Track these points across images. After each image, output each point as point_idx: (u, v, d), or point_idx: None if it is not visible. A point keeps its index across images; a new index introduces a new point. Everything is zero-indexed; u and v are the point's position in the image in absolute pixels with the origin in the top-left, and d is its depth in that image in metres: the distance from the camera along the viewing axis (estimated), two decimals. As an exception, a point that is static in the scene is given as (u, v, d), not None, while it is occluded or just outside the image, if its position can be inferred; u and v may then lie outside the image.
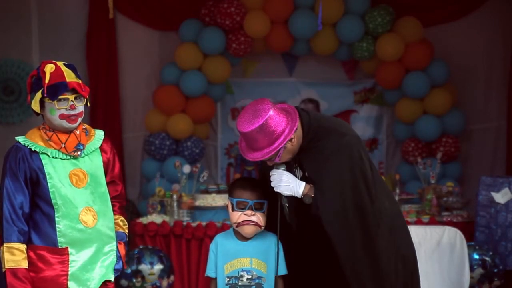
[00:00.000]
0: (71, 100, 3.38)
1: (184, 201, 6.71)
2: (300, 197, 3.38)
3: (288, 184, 3.38)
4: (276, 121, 3.31)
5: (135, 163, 7.88)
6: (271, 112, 3.30)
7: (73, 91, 3.38)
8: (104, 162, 3.54)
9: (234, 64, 7.77)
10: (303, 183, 3.39)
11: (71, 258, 3.38)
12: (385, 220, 3.39)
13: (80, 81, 3.43)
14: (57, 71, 3.37)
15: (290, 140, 3.34)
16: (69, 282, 3.38)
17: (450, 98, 7.50)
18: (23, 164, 3.36)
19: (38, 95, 3.36)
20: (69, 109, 3.38)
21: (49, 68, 3.36)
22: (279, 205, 3.46)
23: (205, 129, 7.94)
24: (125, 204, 3.73)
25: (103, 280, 3.47)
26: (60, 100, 3.36)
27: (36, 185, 3.37)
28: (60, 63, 3.42)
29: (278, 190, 3.41)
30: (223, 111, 8.10)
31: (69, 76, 3.39)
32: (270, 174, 3.44)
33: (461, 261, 5.89)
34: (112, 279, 3.50)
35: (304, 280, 3.65)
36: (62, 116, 3.38)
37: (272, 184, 3.42)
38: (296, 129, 3.35)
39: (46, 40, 7.42)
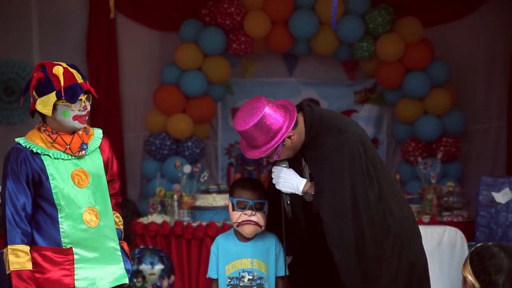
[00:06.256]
0: (83, 101, 3.39)
1: (184, 201, 6.71)
2: (300, 194, 3.37)
3: (287, 181, 3.37)
4: (272, 118, 3.29)
5: (135, 163, 7.88)
6: (267, 109, 3.28)
7: (85, 91, 3.39)
8: (104, 161, 3.54)
9: (234, 64, 7.77)
10: (304, 180, 3.38)
11: (76, 257, 3.38)
12: (389, 223, 3.34)
13: (87, 82, 3.43)
14: (68, 73, 3.36)
15: (289, 137, 3.33)
16: (76, 282, 3.38)
17: (451, 98, 7.50)
18: (25, 166, 3.34)
19: (52, 97, 3.33)
20: (82, 110, 3.39)
21: (60, 70, 3.34)
22: (282, 203, 3.45)
23: (205, 129, 7.94)
24: (121, 200, 3.74)
25: (118, 284, 3.48)
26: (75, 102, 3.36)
27: (38, 186, 3.36)
28: (64, 64, 3.40)
29: (277, 187, 3.40)
30: (224, 111, 8.10)
31: (78, 77, 3.39)
32: (272, 170, 3.43)
33: (461, 261, 5.87)
34: (127, 281, 3.51)
35: (308, 280, 3.65)
36: (75, 117, 3.39)
37: (273, 181, 3.41)
38: (296, 125, 3.33)
39: (47, 40, 7.42)
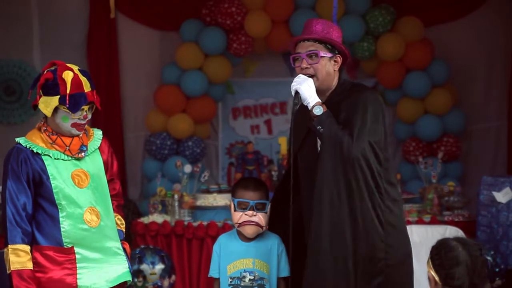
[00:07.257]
0: (85, 111, 3.39)
1: (185, 201, 6.71)
2: (313, 103, 3.42)
3: (309, 87, 3.45)
4: (340, 39, 3.57)
5: (136, 163, 7.88)
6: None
7: (89, 102, 3.40)
8: (103, 161, 3.54)
9: (235, 64, 7.78)
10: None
11: (77, 257, 3.38)
12: (386, 189, 3.40)
13: (94, 91, 3.42)
14: (76, 80, 3.35)
15: (336, 60, 3.56)
16: (78, 281, 3.38)
17: (451, 97, 7.50)
18: (26, 166, 3.35)
19: (55, 101, 3.33)
20: (81, 119, 3.40)
21: (69, 76, 3.33)
22: (293, 104, 3.49)
23: (206, 129, 7.95)
24: (123, 203, 3.74)
25: (121, 281, 3.49)
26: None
27: (39, 186, 3.36)
28: (76, 69, 3.38)
29: (297, 86, 3.45)
30: (224, 111, 8.11)
31: (86, 86, 3.37)
32: (295, 78, 3.50)
33: (462, 261, 5.88)
34: (130, 278, 3.53)
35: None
36: (73, 125, 3.39)
37: (296, 83, 3.47)
38: (342, 64, 3.59)
39: (47, 40, 7.43)
